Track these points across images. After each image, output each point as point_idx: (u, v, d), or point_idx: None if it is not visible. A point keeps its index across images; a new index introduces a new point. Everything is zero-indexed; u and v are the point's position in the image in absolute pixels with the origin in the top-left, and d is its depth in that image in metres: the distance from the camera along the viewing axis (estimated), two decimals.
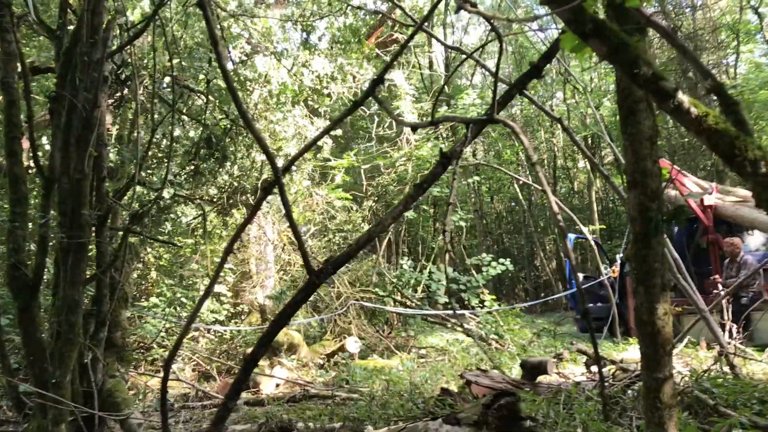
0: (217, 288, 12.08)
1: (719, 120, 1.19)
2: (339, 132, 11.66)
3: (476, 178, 17.96)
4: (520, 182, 26.29)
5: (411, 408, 5.35)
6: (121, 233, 5.43)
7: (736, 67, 20.35)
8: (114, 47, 5.63)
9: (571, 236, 14.81)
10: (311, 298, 10.33)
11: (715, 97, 1.79)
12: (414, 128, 4.06)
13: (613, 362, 6.26)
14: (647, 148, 2.40)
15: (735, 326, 7.57)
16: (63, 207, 5.15)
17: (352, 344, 10.21)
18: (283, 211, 11.42)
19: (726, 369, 5.44)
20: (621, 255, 13.80)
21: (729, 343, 6.31)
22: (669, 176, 9.16)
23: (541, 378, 6.03)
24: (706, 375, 5.10)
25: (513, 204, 34.86)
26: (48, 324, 5.34)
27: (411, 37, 2.90)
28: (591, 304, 14.22)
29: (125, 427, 4.88)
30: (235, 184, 11.59)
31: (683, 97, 1.23)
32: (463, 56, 8.52)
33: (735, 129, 1.18)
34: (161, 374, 8.37)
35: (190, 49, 10.34)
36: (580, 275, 14.34)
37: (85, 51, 5.20)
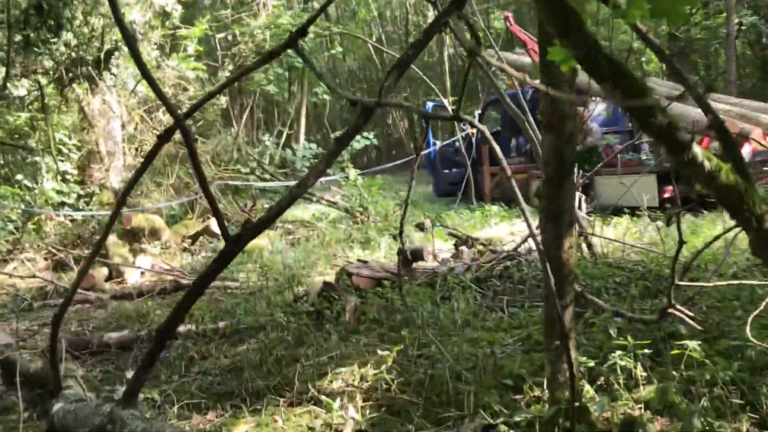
0: (61, 166, 11.20)
1: (730, 174, 1.16)
2: None
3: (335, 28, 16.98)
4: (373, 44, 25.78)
5: (297, 306, 5.38)
6: None
7: None
8: None
9: (429, 104, 14.99)
10: (172, 181, 9.89)
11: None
12: None
13: (483, 244, 6.58)
14: (565, 91, 2.38)
15: (584, 196, 8.08)
16: None
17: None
18: (130, 87, 10.53)
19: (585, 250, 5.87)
20: (478, 112, 14.08)
21: (584, 219, 6.78)
22: (522, 42, 9.15)
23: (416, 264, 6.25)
24: None
25: (365, 63, 34.56)
26: None
27: None
28: (446, 170, 14.73)
29: None
30: (74, 54, 10.48)
31: (697, 150, 1.18)
32: None
33: (743, 181, 1.16)
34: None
35: None
36: (437, 142, 14.71)
37: None
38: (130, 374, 4.52)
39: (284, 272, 7.43)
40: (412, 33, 33.89)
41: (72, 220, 10.65)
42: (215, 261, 2.20)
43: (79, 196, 11.52)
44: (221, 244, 9.13)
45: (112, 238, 9.20)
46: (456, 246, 6.86)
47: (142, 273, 8.47)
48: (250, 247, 9.03)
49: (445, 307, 4.97)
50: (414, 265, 6.12)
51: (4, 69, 8.80)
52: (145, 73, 1.91)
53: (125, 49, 10.36)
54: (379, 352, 3.86)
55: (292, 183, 11.58)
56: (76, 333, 5.92)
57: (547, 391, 2.93)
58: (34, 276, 8.05)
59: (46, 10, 9.12)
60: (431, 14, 26.40)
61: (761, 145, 8.97)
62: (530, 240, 6.33)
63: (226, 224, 8.81)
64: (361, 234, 9.65)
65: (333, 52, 15.09)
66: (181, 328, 5.28)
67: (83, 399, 2.78)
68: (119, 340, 5.17)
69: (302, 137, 15.44)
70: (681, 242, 2.84)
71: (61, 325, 6.31)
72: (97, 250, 2.53)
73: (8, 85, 10.62)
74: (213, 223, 9.96)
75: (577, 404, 2.67)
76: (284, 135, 12.51)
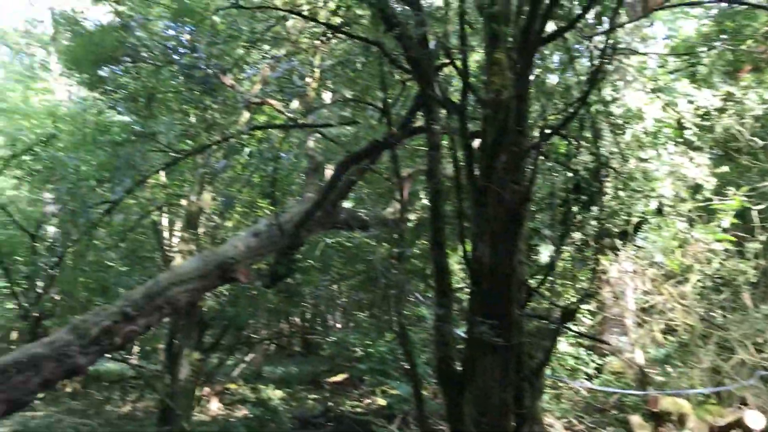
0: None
1: None
2: (726, 169, 10.29)
3: None
4: None
5: None
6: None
7: None
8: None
9: None
10: (705, 365, 9.14)
11: None
12: None
13: None
14: None
15: None
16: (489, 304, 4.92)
17: (755, 419, 8.75)
18: (656, 259, 10.33)
19: None
20: None
21: None
22: None
23: None
24: None
25: None
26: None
27: None
28: None
29: None
30: (601, 227, 10.84)
31: None
32: None
33: None
34: None
35: None
36: None
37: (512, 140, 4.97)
38: None
39: None
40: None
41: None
42: None
43: (591, 362, 11.51)
44: None
45: (636, 419, 8.83)
46: None
47: None
48: None
49: None
50: None
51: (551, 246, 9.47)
52: None
53: (652, 221, 10.33)
54: None
55: None
56: None
57: None
58: None
59: (584, 188, 9.69)
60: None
61: None
62: None
63: (765, 418, 7.44)
64: None
65: None
66: None
67: None
68: None
69: None
70: None
71: None
72: None
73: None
74: (748, 417, 8.76)
75: None
76: None
